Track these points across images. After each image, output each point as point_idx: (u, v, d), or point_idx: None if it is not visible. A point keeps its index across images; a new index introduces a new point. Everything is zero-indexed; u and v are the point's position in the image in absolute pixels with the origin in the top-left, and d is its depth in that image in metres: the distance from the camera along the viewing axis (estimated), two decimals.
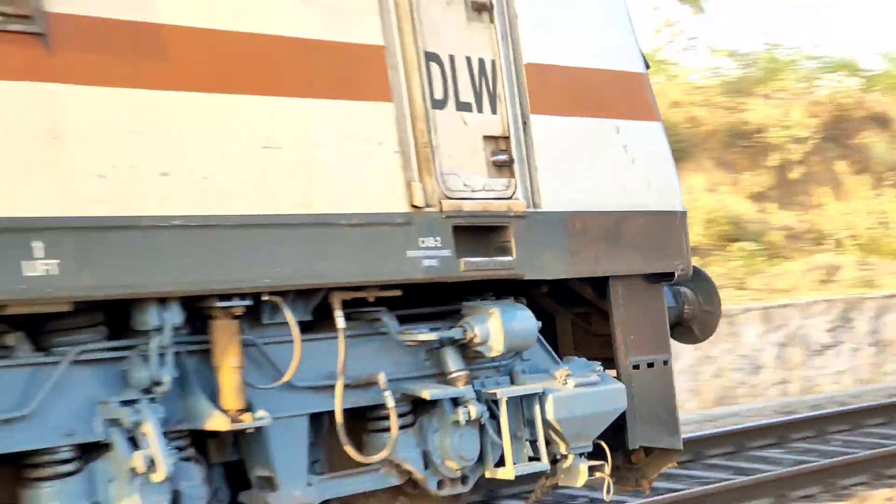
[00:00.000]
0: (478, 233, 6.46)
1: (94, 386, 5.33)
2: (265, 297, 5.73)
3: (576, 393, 6.88)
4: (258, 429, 5.73)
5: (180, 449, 5.55)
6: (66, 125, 5.00)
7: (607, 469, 7.04)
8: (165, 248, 5.24)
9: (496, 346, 6.53)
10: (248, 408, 5.64)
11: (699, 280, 8.07)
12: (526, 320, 6.67)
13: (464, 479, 6.63)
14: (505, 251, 6.56)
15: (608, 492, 7.02)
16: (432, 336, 6.39)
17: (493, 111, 6.60)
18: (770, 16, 41.49)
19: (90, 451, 5.33)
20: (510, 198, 6.61)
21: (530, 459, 6.80)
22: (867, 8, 41.85)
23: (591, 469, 6.98)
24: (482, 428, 6.59)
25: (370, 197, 5.99)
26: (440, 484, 6.55)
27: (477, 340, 6.50)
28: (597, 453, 7.08)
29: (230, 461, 6.01)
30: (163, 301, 5.34)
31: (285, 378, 5.83)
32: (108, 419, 5.31)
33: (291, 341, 5.82)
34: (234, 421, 5.56)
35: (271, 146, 5.63)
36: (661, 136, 7.58)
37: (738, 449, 12.01)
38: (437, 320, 6.61)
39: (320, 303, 6.07)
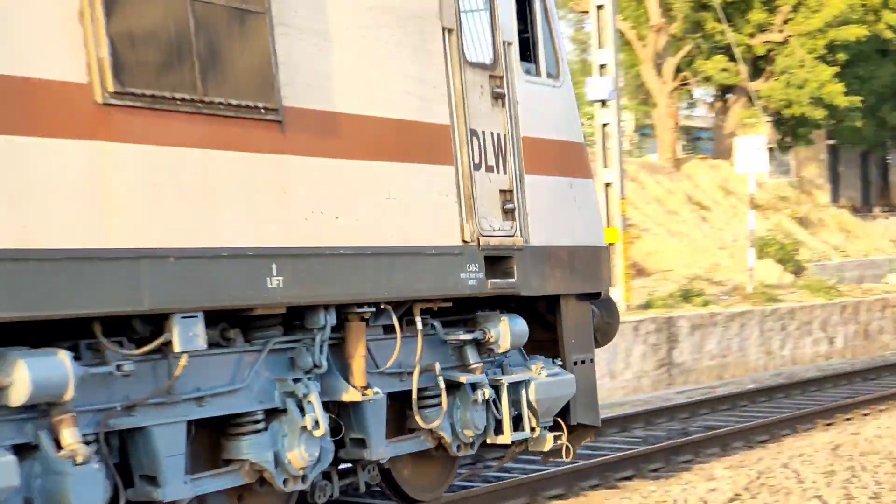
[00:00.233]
0: (494, 261, 8.80)
1: (274, 368, 7.42)
2: (382, 306, 7.92)
3: (547, 381, 9.34)
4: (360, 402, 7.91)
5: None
6: (290, 184, 7.11)
7: (564, 438, 9.52)
8: (335, 270, 7.39)
9: (504, 345, 8.93)
10: (368, 385, 7.83)
11: (603, 299, 10.63)
12: (522, 325, 9.09)
13: (472, 445, 8.96)
14: (509, 275, 8.92)
15: (567, 454, 9.50)
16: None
17: (505, 171, 8.96)
18: None
19: (271, 415, 7.41)
20: (513, 235, 8.98)
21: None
22: None
23: (555, 438, 9.43)
24: (487, 405, 8.91)
25: (441, 234, 8.27)
26: (460, 447, 8.85)
27: (492, 340, 8.85)
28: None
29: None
30: (327, 307, 7.48)
31: (388, 364, 8.04)
32: (285, 392, 7.41)
33: (382, 338, 8.05)
34: (363, 394, 7.73)
35: (391, 197, 7.85)
36: (593, 190, 10.13)
37: None
38: (453, 326, 8.90)
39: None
